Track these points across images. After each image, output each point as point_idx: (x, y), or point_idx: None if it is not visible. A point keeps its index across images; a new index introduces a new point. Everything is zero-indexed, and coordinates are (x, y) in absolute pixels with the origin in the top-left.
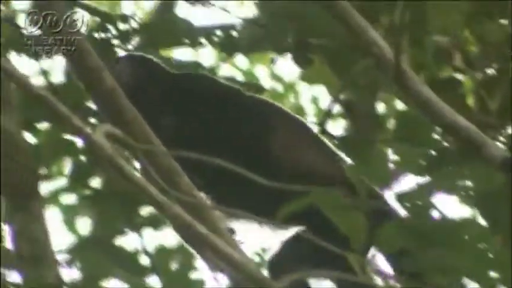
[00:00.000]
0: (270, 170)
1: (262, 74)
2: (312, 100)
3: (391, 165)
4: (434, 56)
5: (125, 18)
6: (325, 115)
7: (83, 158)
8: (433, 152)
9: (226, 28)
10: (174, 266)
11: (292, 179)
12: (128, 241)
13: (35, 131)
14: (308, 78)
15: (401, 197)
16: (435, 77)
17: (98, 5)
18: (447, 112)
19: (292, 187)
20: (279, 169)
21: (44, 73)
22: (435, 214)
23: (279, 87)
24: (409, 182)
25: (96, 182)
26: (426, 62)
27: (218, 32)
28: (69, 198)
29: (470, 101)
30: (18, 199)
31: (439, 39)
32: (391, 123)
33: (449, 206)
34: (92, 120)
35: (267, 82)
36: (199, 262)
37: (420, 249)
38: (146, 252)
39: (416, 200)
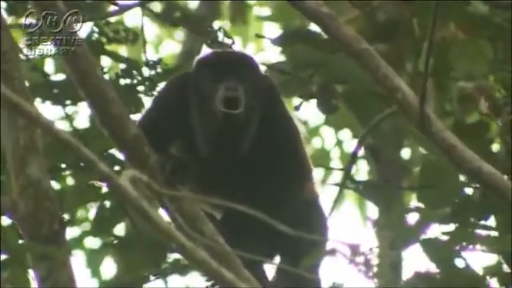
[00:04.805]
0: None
1: None
2: (337, 144)
3: (415, 214)
4: (460, 102)
5: (151, 65)
6: (351, 160)
7: (107, 204)
8: (457, 200)
9: None
10: None
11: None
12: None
13: (59, 178)
14: (333, 122)
15: (426, 245)
16: (461, 122)
17: (122, 51)
18: (472, 158)
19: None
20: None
21: (69, 118)
22: (460, 263)
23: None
24: (433, 228)
25: (120, 229)
26: (452, 108)
27: None
28: (94, 243)
29: (496, 147)
30: (43, 245)
31: (464, 85)
32: (416, 169)
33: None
34: (117, 168)
35: None
36: None
37: None
38: None
39: (441, 249)
